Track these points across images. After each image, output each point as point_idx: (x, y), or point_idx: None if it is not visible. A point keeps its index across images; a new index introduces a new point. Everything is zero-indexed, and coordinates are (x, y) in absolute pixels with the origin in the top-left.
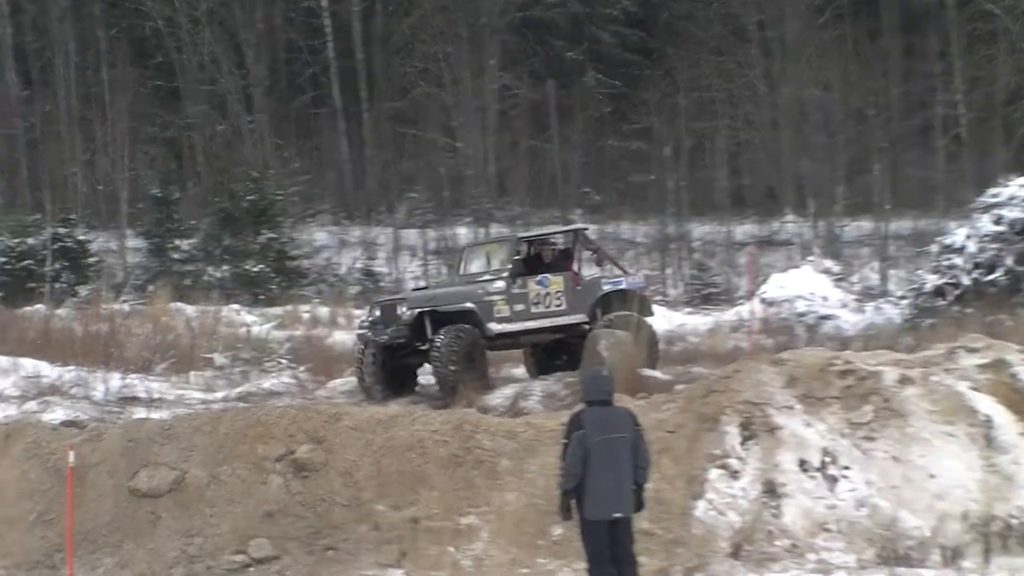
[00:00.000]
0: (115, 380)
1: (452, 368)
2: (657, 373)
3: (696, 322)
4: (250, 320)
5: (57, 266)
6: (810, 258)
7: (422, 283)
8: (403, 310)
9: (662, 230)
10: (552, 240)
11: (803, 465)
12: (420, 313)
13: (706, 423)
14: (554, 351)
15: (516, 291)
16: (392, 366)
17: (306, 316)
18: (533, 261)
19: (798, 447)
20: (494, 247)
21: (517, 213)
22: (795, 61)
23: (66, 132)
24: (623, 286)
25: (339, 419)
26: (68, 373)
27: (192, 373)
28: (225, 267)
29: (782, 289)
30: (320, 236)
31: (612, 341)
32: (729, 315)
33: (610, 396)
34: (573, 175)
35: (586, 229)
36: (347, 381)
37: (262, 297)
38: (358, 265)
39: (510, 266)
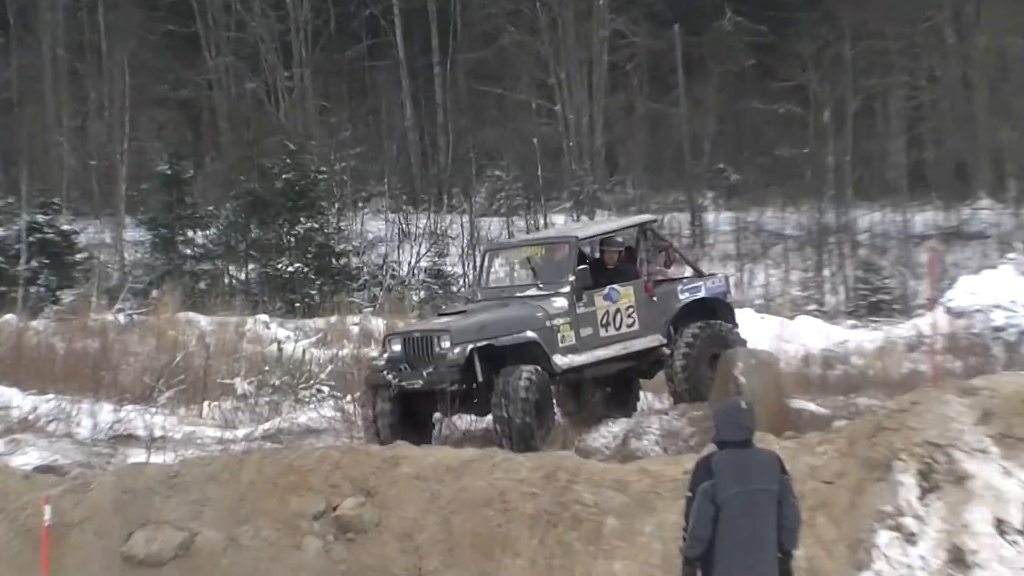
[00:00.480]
0: (106, 413)
1: (524, 422)
2: (811, 405)
3: (862, 338)
4: (283, 335)
5: (34, 264)
6: (1010, 255)
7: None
8: (446, 345)
9: (819, 219)
10: (616, 239)
11: (1000, 526)
12: (472, 350)
13: (874, 471)
14: (586, 385)
15: (582, 311)
16: (412, 416)
17: (355, 330)
18: (593, 267)
19: (994, 502)
20: (535, 251)
21: (631, 197)
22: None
23: (50, 91)
24: (702, 293)
25: (396, 464)
26: (45, 403)
27: (206, 404)
28: (252, 266)
29: (974, 296)
30: (375, 226)
31: (751, 363)
32: (904, 329)
33: (750, 435)
34: (704, 148)
35: (654, 221)
36: None
37: (299, 305)
38: (424, 263)
39: (571, 277)
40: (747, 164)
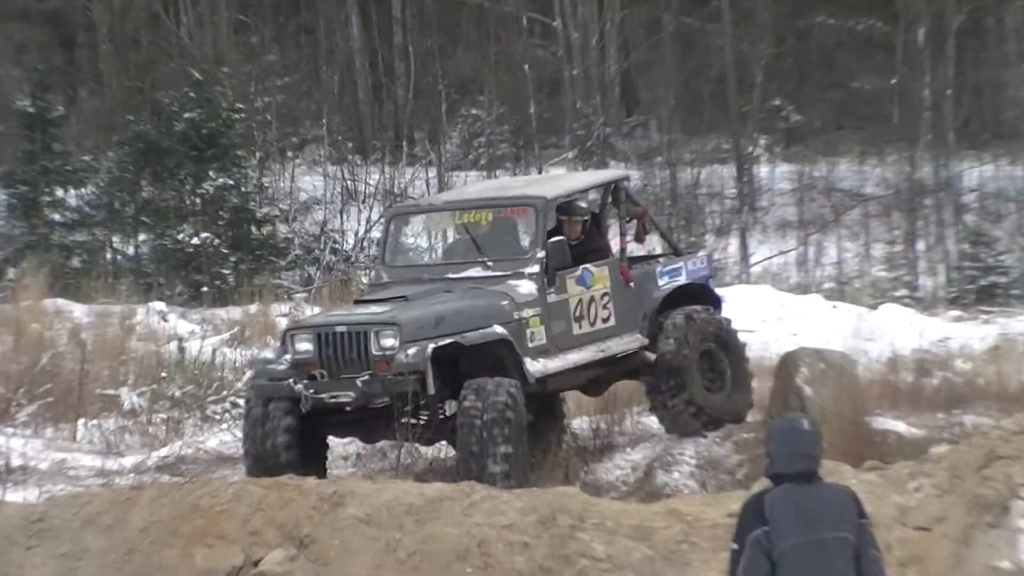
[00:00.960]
0: None
1: (509, 455)
2: (900, 424)
3: (968, 334)
4: (185, 330)
5: None
6: None
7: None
8: (389, 344)
9: (911, 174)
10: (581, 203)
11: None
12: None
13: (986, 514)
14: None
15: (554, 299)
16: (310, 436)
17: (283, 323)
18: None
19: None
20: (478, 216)
21: (655, 143)
22: None
23: None
24: (683, 278)
25: (339, 504)
26: None
27: (82, 423)
28: (143, 237)
29: None
30: (311, 183)
31: (819, 368)
32: None
33: (815, 465)
34: (755, 78)
35: (626, 179)
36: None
37: (207, 289)
38: (376, 233)
39: (540, 253)
40: (813, 100)
